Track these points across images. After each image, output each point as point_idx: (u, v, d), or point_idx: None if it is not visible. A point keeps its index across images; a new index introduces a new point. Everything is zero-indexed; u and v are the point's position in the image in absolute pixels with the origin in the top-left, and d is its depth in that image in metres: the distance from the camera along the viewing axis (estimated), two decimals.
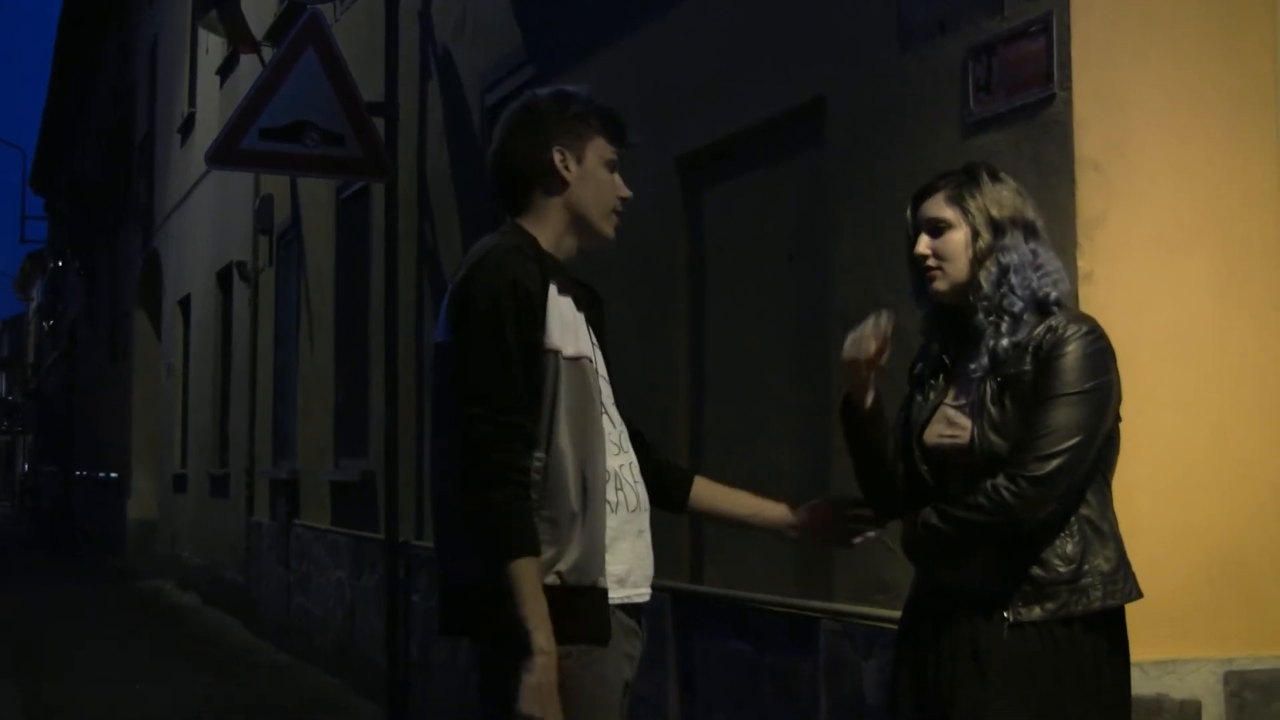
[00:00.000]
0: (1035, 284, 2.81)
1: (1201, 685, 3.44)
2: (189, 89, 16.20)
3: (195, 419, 15.64)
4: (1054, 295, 2.82)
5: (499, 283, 2.67)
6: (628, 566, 2.78)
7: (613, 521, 2.75)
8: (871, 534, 3.10)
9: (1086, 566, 2.73)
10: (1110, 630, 2.79)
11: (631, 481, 2.83)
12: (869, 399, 2.92)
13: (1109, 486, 2.82)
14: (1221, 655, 3.47)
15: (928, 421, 2.89)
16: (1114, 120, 3.49)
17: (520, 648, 2.57)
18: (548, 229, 2.84)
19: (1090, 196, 3.44)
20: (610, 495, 2.76)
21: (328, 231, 10.07)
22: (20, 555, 22.92)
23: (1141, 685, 3.32)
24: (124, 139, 21.04)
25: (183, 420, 16.48)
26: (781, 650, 4.58)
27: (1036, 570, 2.73)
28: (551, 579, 2.63)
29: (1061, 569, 2.73)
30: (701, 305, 5.29)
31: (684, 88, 5.30)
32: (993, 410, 2.77)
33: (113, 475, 21.04)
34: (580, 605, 2.66)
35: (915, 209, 2.93)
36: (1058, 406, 2.70)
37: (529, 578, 2.59)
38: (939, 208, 2.88)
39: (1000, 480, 2.69)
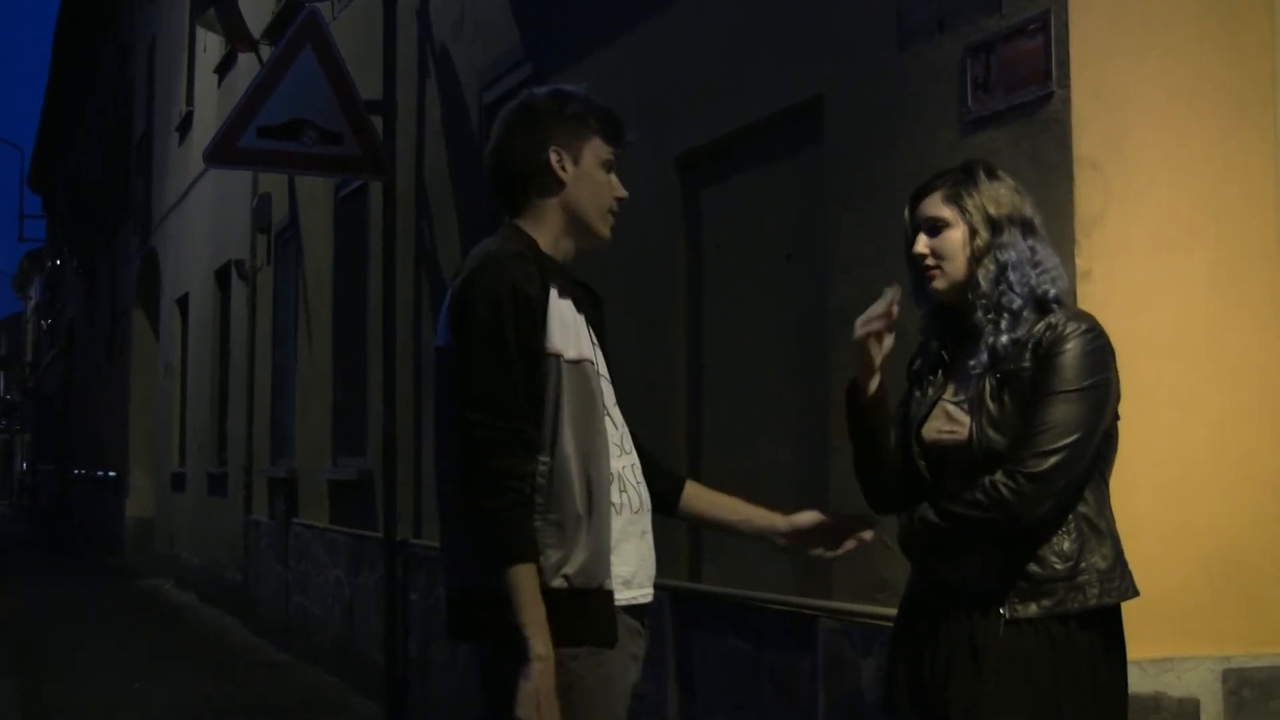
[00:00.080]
0: (1034, 281, 2.81)
1: (1200, 683, 3.44)
2: (187, 87, 16.20)
3: (193, 417, 15.64)
4: (1053, 292, 2.82)
5: (499, 288, 2.67)
6: (632, 568, 2.79)
7: (617, 523, 2.75)
8: (853, 544, 3.04)
9: (1084, 564, 2.73)
10: (1107, 628, 2.79)
11: (635, 483, 2.83)
12: (873, 385, 2.93)
13: (1106, 485, 2.83)
14: (1220, 653, 3.47)
15: (926, 417, 2.89)
16: (1112, 118, 3.49)
17: (518, 653, 2.57)
18: (546, 230, 2.84)
19: (1088, 194, 3.44)
20: (615, 497, 2.76)
21: (326, 230, 10.07)
22: (18, 554, 22.92)
23: (1140, 683, 3.32)
24: (122, 138, 21.04)
25: (181, 419, 16.48)
26: (780, 648, 4.58)
27: (1033, 567, 2.73)
28: (559, 582, 2.64)
29: (1058, 566, 2.73)
30: (700, 304, 5.29)
31: (683, 86, 5.30)
32: (991, 406, 2.77)
33: (111, 474, 21.04)
34: (587, 608, 2.67)
35: (913, 208, 2.93)
36: (1057, 403, 2.70)
37: (527, 584, 2.59)
38: (936, 207, 2.89)
39: (998, 476, 2.70)
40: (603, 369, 2.85)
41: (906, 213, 2.95)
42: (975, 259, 2.84)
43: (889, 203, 3.81)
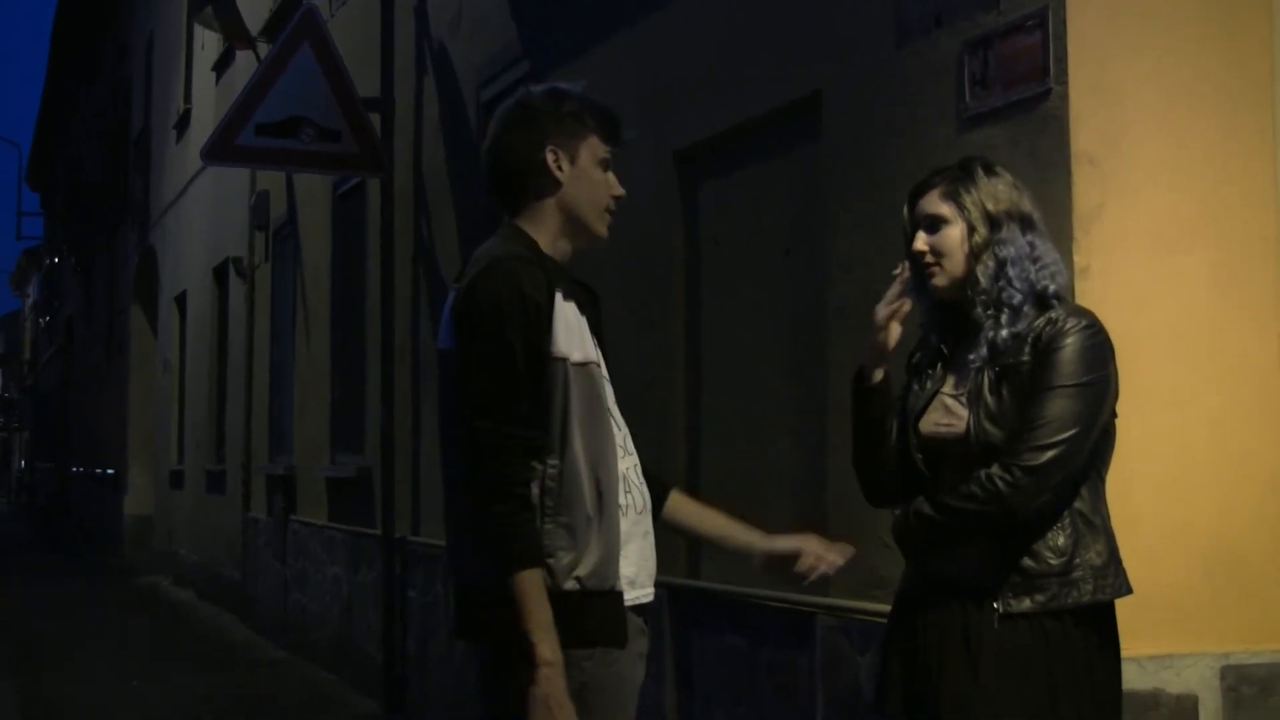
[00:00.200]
0: (1033, 276, 2.82)
1: (1198, 679, 3.44)
2: (185, 85, 16.19)
3: (192, 415, 15.64)
4: (1052, 288, 2.83)
5: (506, 293, 2.66)
6: (636, 568, 2.79)
7: (624, 524, 2.76)
8: (824, 571, 3.02)
9: (1078, 560, 2.74)
10: (1101, 625, 2.79)
11: (638, 484, 2.84)
12: (879, 374, 2.93)
13: (1103, 482, 2.83)
14: (1219, 650, 3.47)
15: (924, 410, 2.90)
16: (1110, 115, 3.48)
17: (526, 659, 2.57)
18: (544, 230, 2.83)
19: (1086, 191, 3.44)
20: (621, 499, 2.76)
21: (324, 227, 10.07)
22: (17, 552, 22.92)
23: (1138, 680, 3.32)
24: (120, 135, 21.02)
25: (179, 416, 16.47)
26: (778, 645, 4.58)
27: (1027, 561, 2.74)
28: (571, 584, 2.64)
29: (1053, 561, 2.73)
30: (698, 300, 5.28)
31: (681, 82, 5.29)
32: (989, 400, 2.77)
33: (109, 471, 21.03)
34: (599, 609, 2.68)
35: (912, 205, 2.94)
36: (1055, 398, 2.70)
37: (533, 590, 2.59)
38: (935, 204, 2.89)
39: (994, 470, 2.70)
40: (604, 370, 2.85)
41: (905, 210, 2.95)
42: (974, 255, 2.84)
43: (887, 199, 3.81)
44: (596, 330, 2.86)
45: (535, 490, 2.65)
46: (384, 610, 8.03)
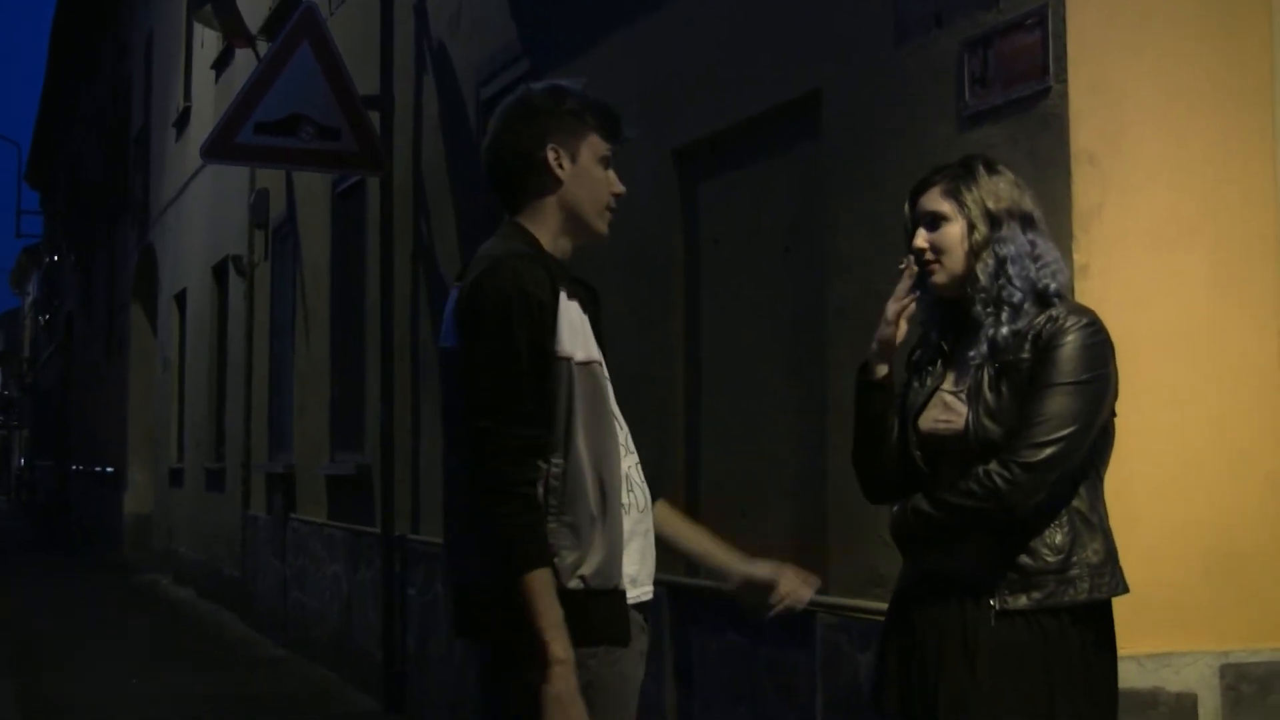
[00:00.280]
0: (1034, 275, 2.82)
1: (1198, 678, 3.44)
2: (184, 83, 16.18)
3: (191, 413, 15.63)
4: (1053, 286, 2.83)
5: (510, 292, 2.65)
6: (638, 567, 2.79)
7: (626, 523, 2.76)
8: (790, 605, 3.00)
9: (1075, 558, 2.74)
10: (1098, 623, 2.79)
11: (640, 482, 2.84)
12: (883, 369, 2.93)
13: (1101, 480, 2.83)
14: (1218, 648, 3.47)
15: (924, 407, 2.90)
16: (1110, 114, 3.48)
17: (538, 658, 2.57)
18: (545, 228, 2.83)
19: (1086, 189, 3.44)
20: (623, 497, 2.76)
21: (323, 226, 10.06)
22: (17, 550, 22.92)
23: (1138, 678, 3.33)
24: (120, 133, 21.02)
25: (179, 414, 16.47)
26: (778, 644, 4.58)
27: (1024, 559, 2.74)
28: (575, 583, 2.64)
29: (1050, 558, 2.74)
30: (697, 299, 5.28)
31: (680, 81, 5.29)
32: (989, 396, 2.77)
33: (109, 470, 21.03)
34: (603, 608, 2.68)
35: (913, 203, 2.94)
36: (1054, 395, 2.71)
37: (542, 589, 2.58)
38: (935, 201, 2.89)
39: (993, 466, 2.70)
40: (605, 369, 2.84)
41: (907, 207, 2.96)
42: (974, 253, 2.85)
43: (886, 198, 3.81)
44: (597, 329, 2.85)
45: (540, 489, 2.64)
46: (383, 608, 8.04)
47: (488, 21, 7.15)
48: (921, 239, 2.89)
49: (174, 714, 8.23)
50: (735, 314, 5.04)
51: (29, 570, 18.49)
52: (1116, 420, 2.85)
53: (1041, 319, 2.78)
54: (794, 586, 2.97)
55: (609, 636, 2.69)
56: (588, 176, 2.83)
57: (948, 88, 3.84)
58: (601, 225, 2.87)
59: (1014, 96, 3.61)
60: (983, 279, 2.83)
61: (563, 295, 2.72)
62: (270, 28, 10.54)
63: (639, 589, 2.80)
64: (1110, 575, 2.77)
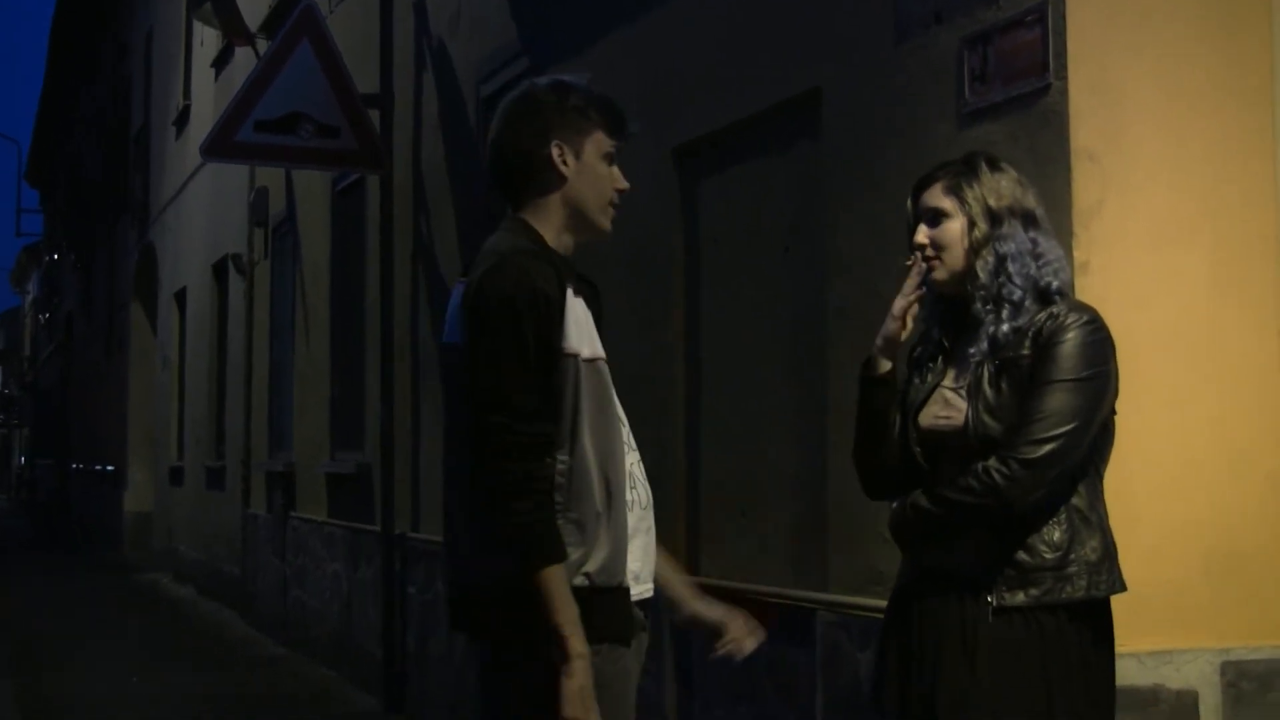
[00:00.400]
0: (1035, 272, 2.82)
1: (1198, 675, 3.44)
2: (184, 82, 16.18)
3: (191, 412, 15.63)
4: (1055, 284, 2.83)
5: (518, 289, 2.65)
6: (640, 564, 2.79)
7: (630, 520, 2.76)
8: (737, 654, 2.98)
9: (1073, 555, 2.74)
10: (1096, 621, 2.79)
11: (642, 479, 2.84)
12: (887, 364, 2.93)
13: (1100, 478, 2.83)
14: (1218, 646, 3.47)
15: (924, 403, 2.90)
16: (1110, 112, 3.48)
17: (556, 654, 2.57)
18: (549, 224, 2.82)
19: (1086, 187, 3.44)
20: (627, 494, 2.76)
21: (323, 224, 10.06)
22: (17, 549, 22.91)
23: (1138, 676, 3.33)
24: (119, 132, 21.02)
25: (179, 413, 16.47)
26: (778, 642, 4.57)
27: (1022, 555, 2.74)
28: (580, 580, 2.64)
29: (1048, 556, 2.74)
30: (697, 297, 5.28)
31: (680, 79, 5.29)
32: (989, 393, 2.77)
33: (109, 468, 21.03)
34: (608, 605, 2.68)
35: (915, 199, 2.95)
36: (1054, 392, 2.71)
37: (559, 585, 2.58)
38: (937, 198, 2.90)
39: (992, 462, 2.70)
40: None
41: (909, 203, 2.96)
42: (974, 250, 2.85)
43: (886, 196, 3.81)
44: (598, 326, 2.85)
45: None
46: (383, 607, 8.04)
47: (487, 20, 7.14)
48: (922, 235, 2.90)
49: (174, 713, 8.23)
50: (735, 314, 5.04)
51: (29, 569, 18.47)
52: (1116, 419, 2.85)
53: (1042, 316, 2.78)
54: (739, 635, 2.97)
55: (613, 634, 2.69)
56: (592, 173, 2.82)
57: (948, 85, 3.84)
58: (605, 222, 2.87)
59: (1014, 93, 3.61)
60: (982, 276, 2.83)
61: (569, 292, 2.72)
62: (270, 26, 10.54)
63: (641, 586, 2.79)
64: (1108, 573, 2.77)
